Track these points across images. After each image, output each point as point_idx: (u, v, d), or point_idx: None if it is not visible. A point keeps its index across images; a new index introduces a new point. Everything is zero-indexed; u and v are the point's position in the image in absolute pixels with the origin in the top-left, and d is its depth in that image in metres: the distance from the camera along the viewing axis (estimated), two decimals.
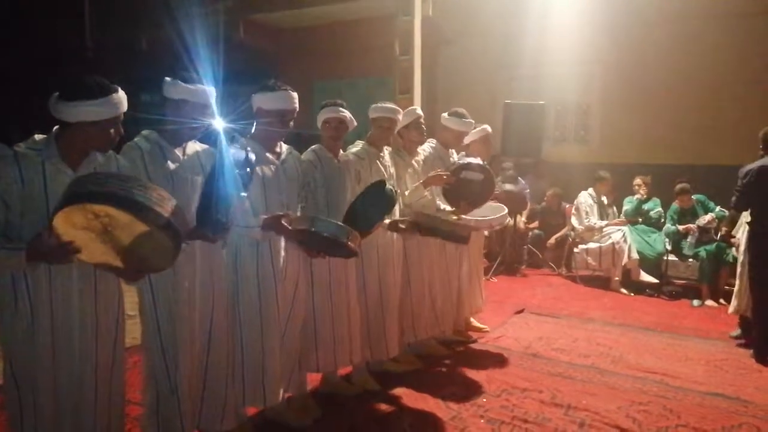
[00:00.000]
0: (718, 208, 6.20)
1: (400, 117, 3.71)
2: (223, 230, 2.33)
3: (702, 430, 3.17)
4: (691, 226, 6.28)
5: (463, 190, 3.95)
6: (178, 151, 2.51)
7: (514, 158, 7.47)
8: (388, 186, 3.09)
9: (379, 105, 3.61)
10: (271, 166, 2.91)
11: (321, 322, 3.23)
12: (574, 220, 6.96)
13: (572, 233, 7.02)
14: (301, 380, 3.28)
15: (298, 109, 2.92)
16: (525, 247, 7.54)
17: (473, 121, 4.35)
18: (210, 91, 2.51)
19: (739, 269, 4.76)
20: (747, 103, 6.97)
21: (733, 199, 4.43)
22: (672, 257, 6.41)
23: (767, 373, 4.06)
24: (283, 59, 10.06)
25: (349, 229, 2.78)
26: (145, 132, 2.51)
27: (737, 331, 4.80)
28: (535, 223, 7.69)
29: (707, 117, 7.31)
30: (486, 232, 6.99)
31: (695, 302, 5.93)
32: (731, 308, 4.80)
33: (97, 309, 2.22)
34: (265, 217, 2.73)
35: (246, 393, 2.91)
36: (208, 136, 2.65)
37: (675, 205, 6.51)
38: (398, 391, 3.62)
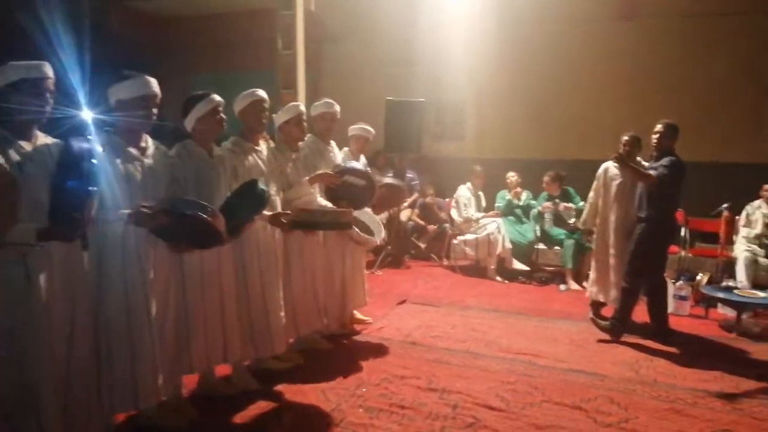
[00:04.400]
0: (582, 203, 6.69)
1: (263, 95, 3.60)
2: (79, 228, 2.21)
3: (563, 404, 3.44)
4: (548, 204, 6.82)
5: (345, 192, 4.05)
6: (26, 144, 2.35)
7: (396, 154, 7.66)
8: (260, 186, 3.06)
9: (241, 95, 3.55)
10: (136, 162, 2.79)
11: (193, 322, 3.14)
12: (453, 213, 7.26)
13: (450, 225, 7.33)
14: (175, 383, 3.18)
15: (160, 95, 2.82)
16: (410, 239, 7.78)
17: (336, 105, 4.39)
18: (47, 66, 2.38)
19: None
20: (614, 102, 7.54)
21: (660, 174, 4.55)
22: (542, 246, 6.88)
23: (622, 349, 4.47)
24: (161, 50, 9.58)
25: (210, 206, 2.70)
26: None
27: (591, 314, 5.22)
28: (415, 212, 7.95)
29: (574, 115, 7.87)
30: None
31: (562, 287, 6.40)
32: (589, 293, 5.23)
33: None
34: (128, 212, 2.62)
35: (114, 399, 2.77)
36: (72, 130, 2.49)
37: (544, 192, 7.00)
38: (280, 387, 3.61)
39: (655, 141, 4.62)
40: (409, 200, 7.92)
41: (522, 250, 6.87)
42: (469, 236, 6.99)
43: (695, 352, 4.45)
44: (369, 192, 4.14)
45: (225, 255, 3.24)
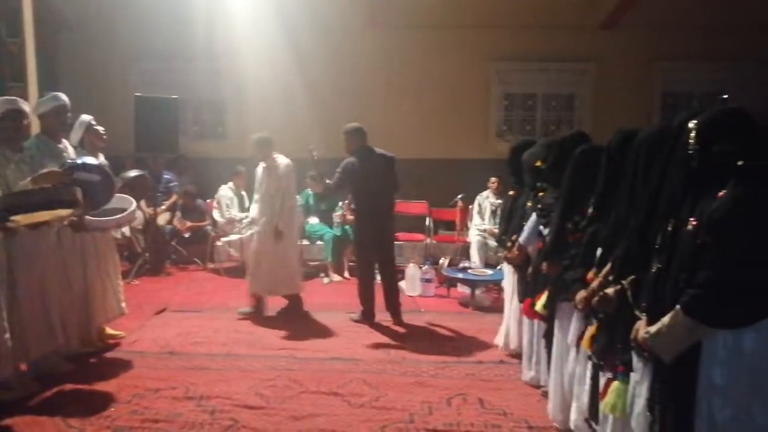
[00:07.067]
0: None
1: None
2: None
3: (320, 392, 3.58)
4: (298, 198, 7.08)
5: (78, 186, 3.63)
6: None
7: (150, 154, 7.20)
8: None
9: None
10: None
11: None
12: (215, 214, 7.08)
13: (213, 227, 7.16)
14: None
15: None
16: (171, 244, 7.38)
17: (64, 96, 4.01)
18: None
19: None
20: (368, 104, 7.81)
21: (333, 182, 4.98)
22: (306, 242, 7.06)
23: (374, 334, 4.80)
24: None
25: None
26: None
27: (248, 309, 5.33)
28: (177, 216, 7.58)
29: (332, 116, 8.07)
30: (127, 232, 6.70)
31: (325, 280, 6.66)
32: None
33: None
34: None
35: None
36: None
37: (307, 189, 7.20)
38: (9, 421, 3.17)
39: (345, 144, 5.05)
40: (168, 203, 7.52)
41: None
42: (232, 237, 6.89)
43: (439, 328, 4.98)
44: (107, 186, 3.79)
45: None
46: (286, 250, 5.25)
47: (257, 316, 5.21)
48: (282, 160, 5.28)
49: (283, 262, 5.22)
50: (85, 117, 4.35)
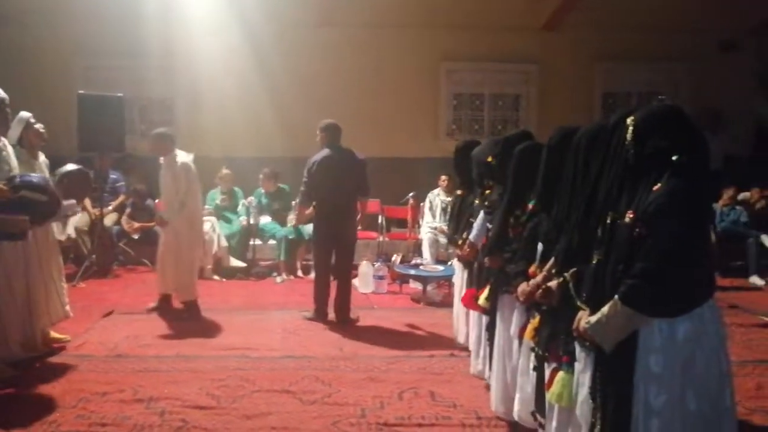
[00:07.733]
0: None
1: None
2: None
3: (272, 390, 3.57)
4: (251, 198, 7.05)
5: (23, 206, 3.51)
6: None
7: (96, 153, 6.98)
8: None
9: None
10: None
11: None
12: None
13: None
14: None
15: None
16: (119, 246, 7.19)
17: (0, 90, 3.86)
18: None
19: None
20: (321, 103, 7.76)
21: (302, 188, 5.01)
22: (258, 242, 7.00)
23: (326, 332, 4.82)
24: None
25: None
26: None
27: (154, 304, 5.32)
28: (126, 220, 7.37)
29: (285, 114, 8.02)
30: (72, 234, 6.51)
31: (278, 279, 6.63)
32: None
33: None
34: None
35: None
36: None
37: (260, 188, 7.13)
38: None
39: (318, 140, 5.07)
40: (114, 203, 7.33)
41: (237, 248, 6.91)
42: None
43: (391, 324, 5.03)
44: (52, 206, 3.69)
45: None
46: (189, 254, 5.16)
47: (165, 313, 5.13)
48: (181, 158, 5.08)
49: (185, 268, 5.12)
50: (24, 114, 4.20)
